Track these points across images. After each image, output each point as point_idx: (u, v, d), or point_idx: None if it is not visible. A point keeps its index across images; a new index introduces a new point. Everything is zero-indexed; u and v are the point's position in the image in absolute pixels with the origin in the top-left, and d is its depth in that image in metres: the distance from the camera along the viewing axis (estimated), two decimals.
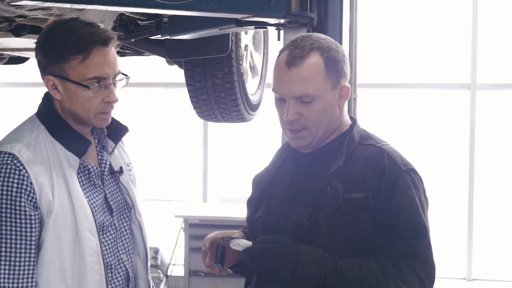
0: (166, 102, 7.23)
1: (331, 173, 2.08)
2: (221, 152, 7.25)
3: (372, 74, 6.80)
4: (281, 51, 2.13)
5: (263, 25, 2.94)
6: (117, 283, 2.28)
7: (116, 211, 2.31)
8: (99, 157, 2.30)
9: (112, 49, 2.17)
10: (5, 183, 2.06)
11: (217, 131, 7.07)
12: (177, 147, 7.30)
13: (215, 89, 3.99)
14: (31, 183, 2.07)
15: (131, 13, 3.31)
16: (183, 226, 5.92)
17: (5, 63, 4.45)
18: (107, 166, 2.31)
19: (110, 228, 2.27)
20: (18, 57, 4.38)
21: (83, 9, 2.90)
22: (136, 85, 6.88)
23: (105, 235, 2.24)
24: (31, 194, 2.07)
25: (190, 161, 7.23)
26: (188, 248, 5.80)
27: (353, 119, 2.21)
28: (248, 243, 2.10)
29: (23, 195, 2.06)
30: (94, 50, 2.12)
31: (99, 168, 2.28)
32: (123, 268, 2.31)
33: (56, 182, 2.13)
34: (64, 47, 2.12)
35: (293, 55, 2.06)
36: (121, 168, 2.36)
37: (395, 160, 2.08)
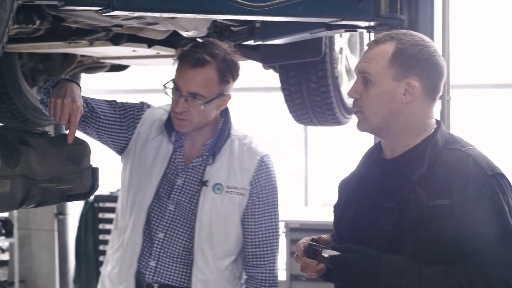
0: (268, 106, 7.25)
1: (414, 180, 2.03)
2: (323, 156, 7.21)
3: (467, 75, 6.56)
4: None
5: (353, 28, 2.92)
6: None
7: (177, 208, 2.76)
8: (195, 158, 2.76)
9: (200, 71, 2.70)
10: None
11: (318, 134, 7.04)
12: (278, 151, 7.30)
13: (310, 93, 3.98)
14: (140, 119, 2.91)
15: (223, 19, 3.35)
16: (284, 230, 5.90)
17: (107, 71, 4.61)
18: (193, 167, 2.75)
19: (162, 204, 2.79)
20: (119, 64, 4.53)
21: (175, 17, 2.96)
22: (236, 90, 6.89)
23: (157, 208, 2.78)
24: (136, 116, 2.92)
25: (291, 165, 7.22)
26: (289, 253, 5.78)
27: (438, 122, 2.15)
28: (337, 254, 2.08)
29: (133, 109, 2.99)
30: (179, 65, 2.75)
31: (182, 159, 2.77)
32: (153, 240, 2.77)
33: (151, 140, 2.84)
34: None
35: (374, 39, 2.16)
36: (206, 181, 2.61)
37: (481, 164, 2.01)
